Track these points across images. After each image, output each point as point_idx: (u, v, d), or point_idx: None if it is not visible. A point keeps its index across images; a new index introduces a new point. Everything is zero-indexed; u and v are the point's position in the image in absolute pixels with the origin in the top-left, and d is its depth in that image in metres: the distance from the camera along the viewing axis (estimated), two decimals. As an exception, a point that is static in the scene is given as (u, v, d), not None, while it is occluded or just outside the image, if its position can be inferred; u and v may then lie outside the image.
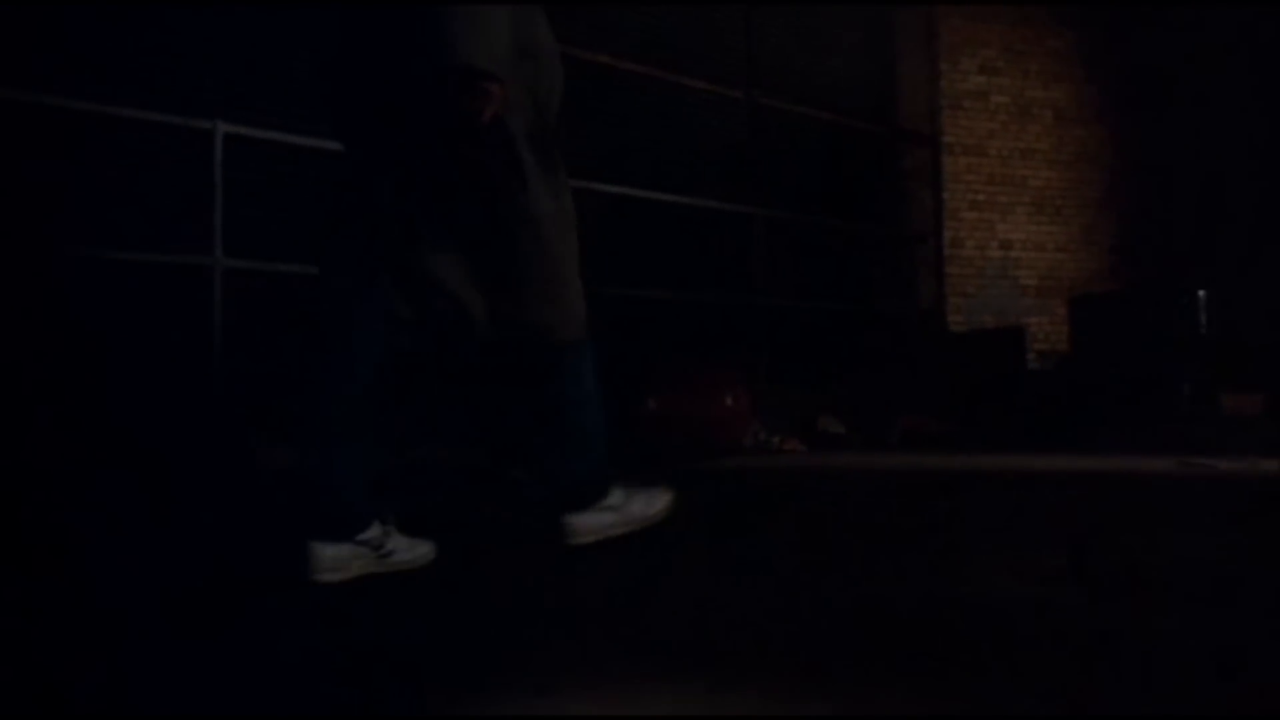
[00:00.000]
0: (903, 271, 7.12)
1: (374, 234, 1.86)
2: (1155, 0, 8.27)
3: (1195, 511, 2.56)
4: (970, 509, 2.65)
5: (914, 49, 7.30)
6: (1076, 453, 4.40)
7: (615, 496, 2.04)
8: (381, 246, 1.85)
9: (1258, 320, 8.34)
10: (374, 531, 1.86)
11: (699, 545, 2.11)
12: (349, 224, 1.91)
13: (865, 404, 6.04)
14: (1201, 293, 6.96)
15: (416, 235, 1.84)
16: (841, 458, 4.59)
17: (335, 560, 1.80)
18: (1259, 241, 8.73)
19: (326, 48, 1.99)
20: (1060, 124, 8.11)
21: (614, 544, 1.98)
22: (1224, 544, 1.99)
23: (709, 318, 5.61)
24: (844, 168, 6.66)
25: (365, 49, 1.87)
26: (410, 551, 1.92)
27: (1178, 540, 2.06)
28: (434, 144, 1.81)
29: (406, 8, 1.78)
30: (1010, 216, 7.91)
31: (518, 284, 1.90)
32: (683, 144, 5.68)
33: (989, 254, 7.81)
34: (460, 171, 1.83)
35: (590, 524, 2.00)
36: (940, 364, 6.91)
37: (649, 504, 2.08)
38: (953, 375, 6.80)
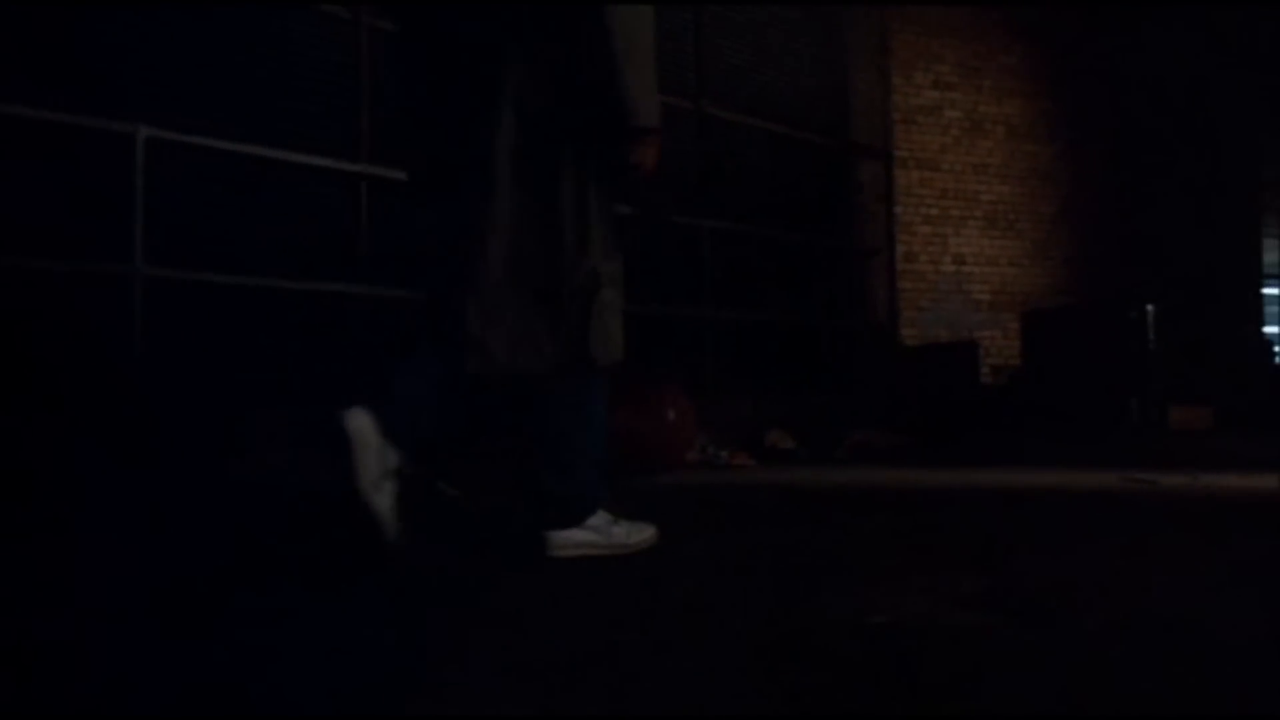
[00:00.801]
0: (855, 285, 7.10)
1: (457, 273, 2.00)
2: (1107, 19, 8.36)
3: (1124, 529, 2.51)
4: (902, 527, 2.58)
5: (866, 63, 7.30)
6: (1023, 468, 4.35)
7: (600, 519, 2.12)
8: (464, 283, 1.99)
9: (1207, 335, 8.43)
10: (600, 519, 2.11)
11: (603, 566, 2.01)
12: (432, 261, 2.09)
13: (816, 418, 5.99)
14: (1150, 307, 6.99)
15: (493, 268, 1.97)
16: (787, 473, 4.51)
17: (566, 540, 2.06)
18: (1208, 256, 8.83)
19: (410, 93, 2.11)
20: (1013, 140, 8.15)
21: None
22: (1142, 564, 1.93)
23: (657, 330, 5.52)
24: (796, 181, 6.63)
25: (453, 96, 2.01)
26: (638, 532, 2.17)
27: (1098, 559, 1.99)
28: (518, 182, 1.96)
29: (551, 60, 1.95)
30: (963, 231, 7.93)
31: (579, 319, 2.02)
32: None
33: (942, 268, 7.81)
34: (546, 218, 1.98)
35: (572, 539, 2.09)
36: (893, 378, 6.88)
37: (631, 533, 2.16)
38: (906, 389, 6.78)
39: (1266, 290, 11.77)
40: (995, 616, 1.47)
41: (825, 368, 6.37)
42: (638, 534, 2.17)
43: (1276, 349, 13.28)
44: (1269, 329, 14.54)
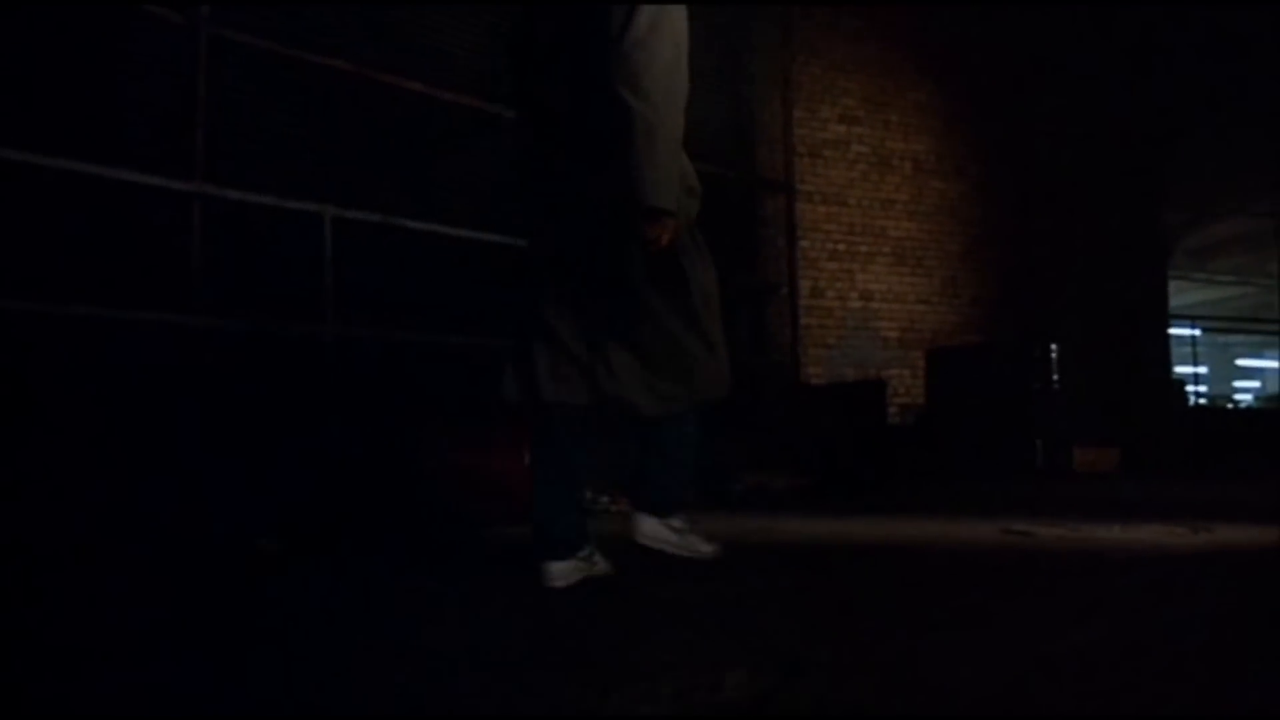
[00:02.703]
0: (756, 322, 6.87)
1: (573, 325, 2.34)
2: (1015, 59, 8.36)
3: (954, 594, 2.25)
4: (726, 594, 2.29)
5: (770, 95, 7.14)
6: (908, 516, 4.11)
7: (680, 521, 2.52)
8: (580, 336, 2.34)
9: (1114, 375, 8.39)
10: (679, 522, 2.49)
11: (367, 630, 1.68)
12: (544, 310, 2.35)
13: (711, 459, 5.70)
14: (1054, 346, 6.88)
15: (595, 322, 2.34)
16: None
17: (562, 572, 2.31)
18: (1116, 296, 8.83)
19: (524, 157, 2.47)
20: (920, 176, 8.06)
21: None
22: (968, 639, 1.66)
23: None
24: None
25: (556, 168, 2.34)
26: (703, 545, 2.54)
27: (916, 633, 1.72)
28: (609, 250, 2.31)
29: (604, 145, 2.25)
30: (871, 267, 7.78)
31: (667, 362, 2.39)
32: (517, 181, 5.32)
33: (850, 304, 7.64)
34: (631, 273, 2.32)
35: (652, 530, 2.50)
36: (796, 417, 6.64)
37: (703, 542, 2.54)
38: (809, 430, 6.54)
39: (1176, 331, 11.93)
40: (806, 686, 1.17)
41: (723, 407, 6.08)
42: (708, 547, 2.55)
43: (1188, 389, 13.49)
44: (1183, 369, 14.80)
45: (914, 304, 7.94)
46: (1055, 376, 6.89)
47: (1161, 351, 9.53)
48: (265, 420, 3.73)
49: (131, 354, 3.81)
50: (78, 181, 3.69)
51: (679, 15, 2.31)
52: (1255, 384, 26.48)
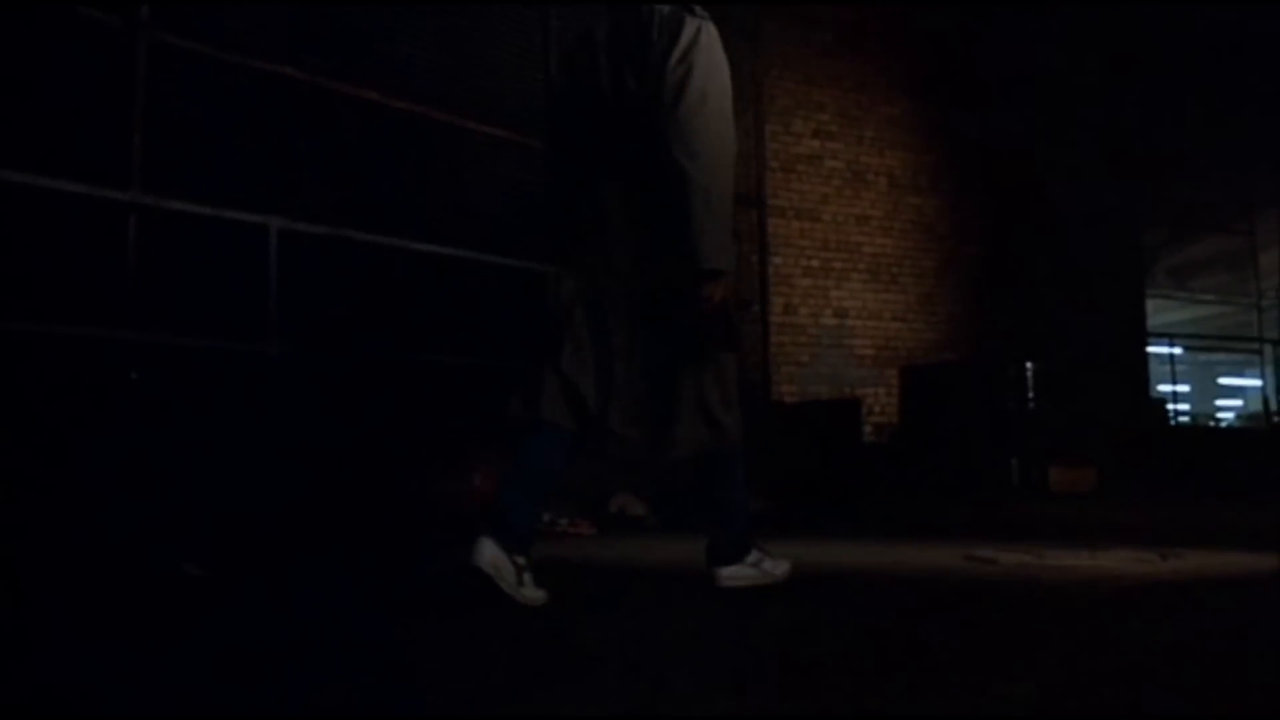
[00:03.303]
0: (727, 338, 6.73)
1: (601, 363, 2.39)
2: (991, 74, 8.30)
3: (898, 629, 2.10)
4: (647, 628, 2.13)
5: (740, 109, 7.02)
6: (873, 540, 3.97)
7: (753, 556, 2.57)
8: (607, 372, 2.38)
9: (1091, 393, 8.29)
10: (522, 560, 2.28)
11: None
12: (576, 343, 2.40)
13: (675, 481, 5.55)
14: (1030, 364, 6.77)
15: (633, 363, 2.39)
16: (614, 546, 4.05)
17: (493, 560, 2.22)
18: (1093, 314, 8.74)
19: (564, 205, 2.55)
20: (895, 191, 7.97)
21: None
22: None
23: (497, 383, 5.03)
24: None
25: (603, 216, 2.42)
26: (777, 567, 2.59)
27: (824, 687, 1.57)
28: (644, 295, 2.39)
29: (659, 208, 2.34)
30: (845, 284, 7.67)
31: (695, 409, 2.41)
32: (478, 195, 5.18)
33: (823, 321, 7.52)
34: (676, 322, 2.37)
35: (735, 574, 2.52)
36: (767, 437, 6.50)
37: (777, 565, 2.60)
38: (781, 450, 6.39)
39: (1158, 350, 11.87)
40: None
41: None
42: (780, 567, 2.60)
43: (1170, 408, 13.40)
44: (1165, 387, 14.73)
45: (889, 321, 7.83)
46: (1031, 395, 6.78)
47: (1140, 370, 9.44)
48: (200, 440, 3.57)
49: (62, 370, 3.64)
50: (4, 190, 3.53)
51: (726, 75, 2.42)
52: (1238, 402, 26.50)
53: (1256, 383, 11.99)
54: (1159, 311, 20.16)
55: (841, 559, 3.32)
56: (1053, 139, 8.59)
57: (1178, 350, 19.45)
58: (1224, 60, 10.11)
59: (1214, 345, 16.80)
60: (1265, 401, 11.98)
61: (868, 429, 7.32)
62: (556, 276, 2.51)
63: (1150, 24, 9.11)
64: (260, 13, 4.36)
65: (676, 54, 2.32)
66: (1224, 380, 27.92)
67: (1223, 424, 22.45)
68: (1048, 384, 6.93)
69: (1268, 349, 11.74)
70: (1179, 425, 13.52)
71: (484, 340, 5.07)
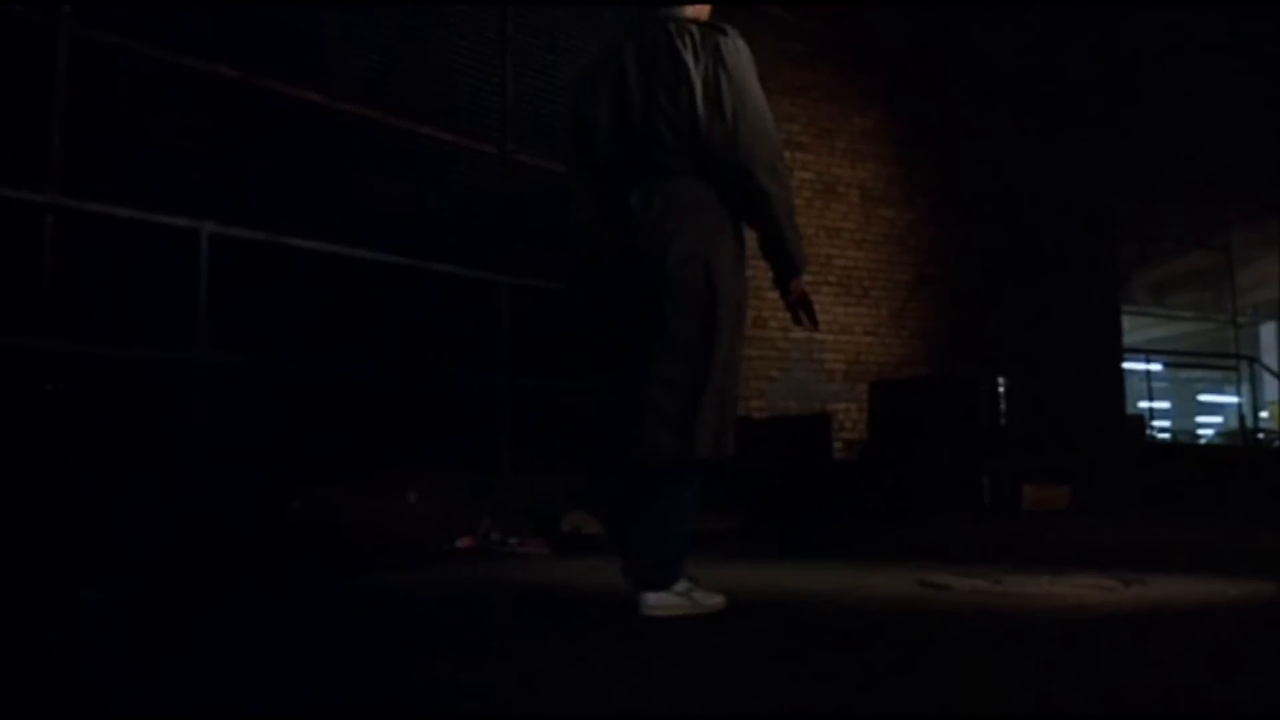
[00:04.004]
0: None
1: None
2: (964, 88, 8.20)
3: (833, 666, 1.92)
4: (542, 664, 1.95)
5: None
6: (829, 561, 3.79)
7: (682, 585, 2.47)
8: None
9: (1066, 410, 8.15)
10: (682, 586, 2.43)
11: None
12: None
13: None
14: (1002, 379, 6.62)
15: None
16: (561, 568, 3.86)
17: (656, 604, 2.38)
18: (1068, 330, 8.63)
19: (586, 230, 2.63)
20: (867, 204, 7.83)
21: None
22: None
23: (441, 398, 4.85)
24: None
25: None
26: (708, 599, 2.50)
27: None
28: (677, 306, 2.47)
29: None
30: (816, 297, 7.35)
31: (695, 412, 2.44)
32: (428, 202, 4.99)
33: (793, 335, 7.35)
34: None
35: (662, 601, 2.43)
36: (735, 453, 6.31)
37: (708, 597, 2.50)
38: (749, 466, 6.20)
39: (1137, 366, 11.80)
40: None
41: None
42: (711, 600, 2.50)
43: (1152, 425, 13.32)
44: (1146, 404, 14.66)
45: (861, 335, 7.68)
46: (1003, 411, 6.62)
47: (1116, 386, 9.32)
48: (111, 456, 3.37)
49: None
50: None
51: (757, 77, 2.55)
52: (1218, 419, 26.54)
53: (1235, 399, 11.91)
54: (1140, 328, 20.21)
55: (792, 583, 3.15)
56: (1028, 152, 8.49)
57: (1156, 367, 19.47)
58: (1200, 76, 10.06)
59: (1192, 362, 16.78)
60: (1241, 419, 11.91)
61: (838, 445, 7.15)
62: (591, 297, 2.64)
63: (1126, 39, 9.06)
64: (195, 9, 4.17)
65: (729, 75, 2.44)
66: (1204, 397, 27.98)
67: (1202, 441, 22.45)
68: (1021, 400, 6.77)
69: (1244, 366, 11.66)
70: (1156, 442, 13.45)
71: (434, 352, 4.88)
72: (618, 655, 2.08)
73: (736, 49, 2.48)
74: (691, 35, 2.48)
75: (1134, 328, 19.77)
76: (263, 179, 4.32)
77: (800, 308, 2.62)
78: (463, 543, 4.46)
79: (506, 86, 5.33)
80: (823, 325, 7.45)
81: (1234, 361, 12.61)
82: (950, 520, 5.89)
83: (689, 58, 2.44)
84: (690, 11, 2.58)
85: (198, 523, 3.18)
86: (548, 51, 5.52)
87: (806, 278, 2.63)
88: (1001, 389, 6.62)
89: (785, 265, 2.56)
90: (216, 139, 4.19)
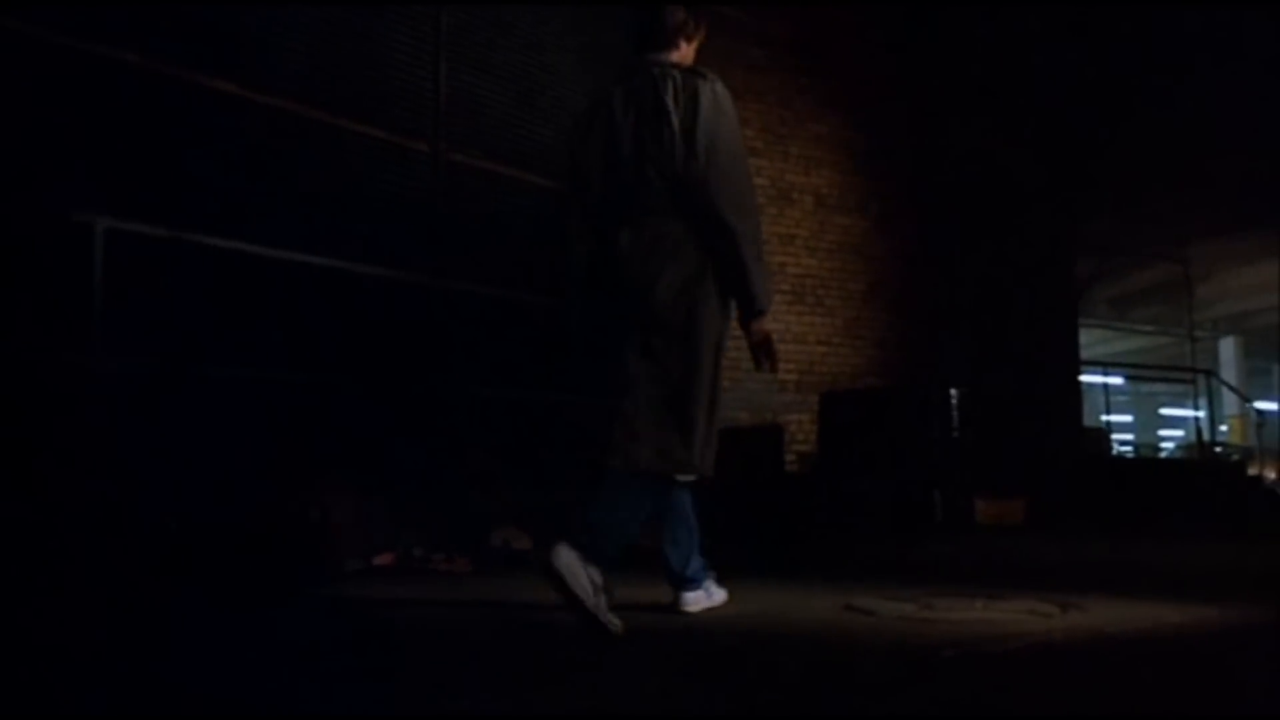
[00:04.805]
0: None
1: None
2: (921, 95, 8.09)
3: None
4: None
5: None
6: (753, 582, 3.57)
7: (711, 584, 2.88)
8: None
9: (1021, 422, 8.04)
10: (600, 577, 2.41)
11: None
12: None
13: (572, 514, 5.15)
14: (954, 391, 6.46)
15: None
16: (483, 585, 3.64)
17: (568, 563, 2.36)
18: (1025, 341, 8.52)
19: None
20: (822, 211, 7.68)
21: None
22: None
23: (372, 406, 4.60)
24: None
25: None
26: (719, 594, 2.90)
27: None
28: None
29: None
30: (768, 305, 7.33)
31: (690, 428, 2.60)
32: (352, 200, 4.75)
33: (744, 344, 7.16)
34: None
35: (697, 600, 2.83)
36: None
37: (612, 617, 2.48)
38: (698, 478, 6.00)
39: (1096, 379, 11.76)
40: None
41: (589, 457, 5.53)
42: (614, 622, 2.47)
43: (1114, 438, 13.29)
44: (1109, 417, 14.67)
45: (814, 345, 7.51)
46: (956, 423, 6.47)
47: (1074, 399, 9.22)
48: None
49: None
50: None
51: (740, 130, 2.70)
52: (1179, 433, 26.75)
53: (1194, 413, 11.90)
54: (1104, 341, 20.31)
55: (713, 609, 2.94)
56: (985, 162, 8.39)
57: (1116, 380, 19.53)
58: (1161, 89, 10.05)
59: (1151, 376, 16.82)
60: (1199, 432, 11.89)
61: (790, 458, 6.97)
62: (583, 320, 2.82)
63: (1087, 49, 9.00)
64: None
65: (703, 120, 2.55)
66: (1166, 411, 28.20)
67: (1162, 454, 22.58)
68: (976, 412, 6.63)
69: (1202, 380, 11.65)
70: (1114, 456, 13.42)
71: (360, 358, 4.64)
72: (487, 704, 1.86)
73: (714, 93, 2.61)
74: (674, 80, 2.62)
75: (1097, 341, 19.88)
76: (168, 173, 4.06)
77: (761, 350, 2.74)
78: (381, 560, 4.22)
79: (440, 83, 5.11)
80: (774, 334, 7.33)
81: (1190, 375, 12.59)
82: (898, 535, 5.72)
83: (670, 101, 2.58)
84: (676, 57, 2.74)
85: (71, 535, 2.93)
86: (485, 48, 5.31)
87: (770, 321, 2.73)
88: (954, 400, 6.46)
89: (746, 304, 2.63)
90: (118, 130, 3.93)
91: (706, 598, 2.87)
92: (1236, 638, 2.45)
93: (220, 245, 4.13)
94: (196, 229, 4.05)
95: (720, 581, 3.45)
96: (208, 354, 4.03)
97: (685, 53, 2.79)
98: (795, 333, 7.41)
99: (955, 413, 6.45)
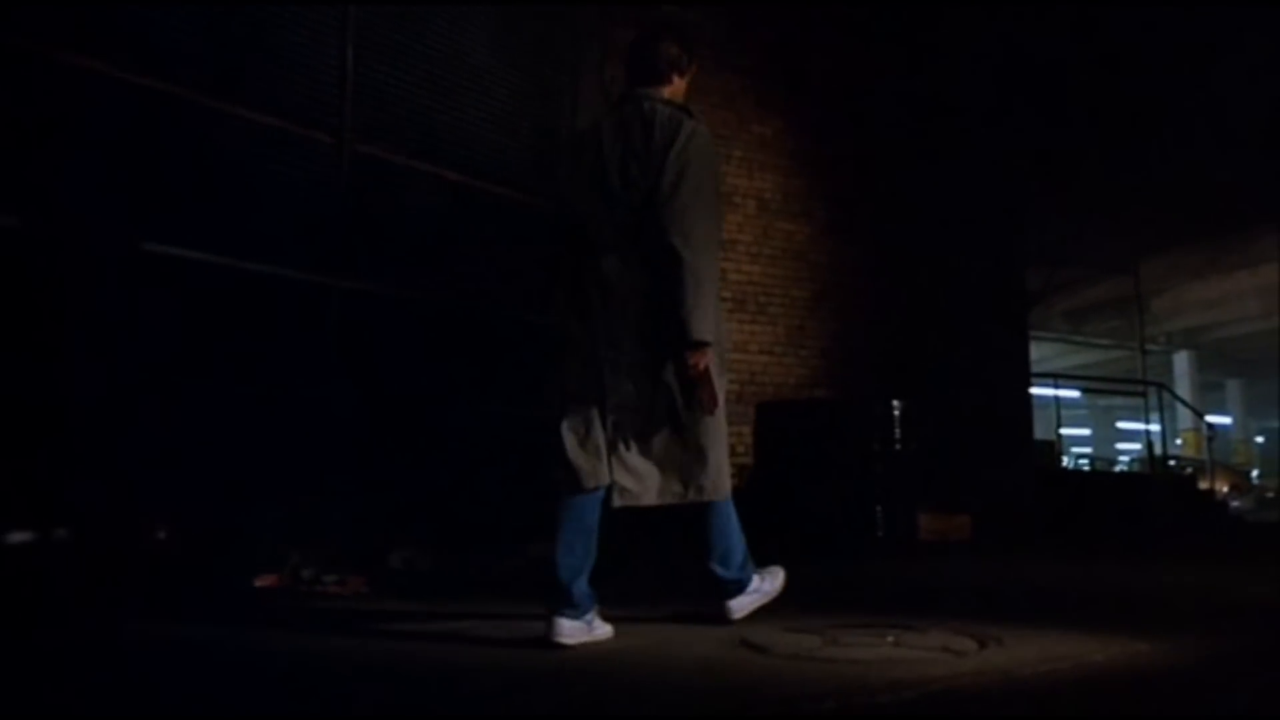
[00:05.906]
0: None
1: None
2: (868, 99, 7.88)
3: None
4: None
5: (590, 115, 6.41)
6: (662, 608, 3.27)
7: (754, 581, 3.01)
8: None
9: (968, 436, 7.83)
10: (590, 616, 2.67)
11: None
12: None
13: (485, 530, 4.83)
14: (897, 403, 6.21)
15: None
16: (376, 610, 3.30)
17: (572, 630, 2.59)
18: (974, 353, 8.32)
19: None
20: (765, 216, 7.42)
21: None
22: None
23: (265, 412, 4.25)
24: (493, 244, 5.56)
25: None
26: (602, 630, 2.73)
27: None
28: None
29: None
30: (708, 313, 7.05)
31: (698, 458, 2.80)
32: (244, 193, 4.40)
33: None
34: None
35: (742, 604, 2.96)
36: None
37: (775, 578, 3.06)
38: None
39: (1050, 392, 11.60)
40: None
41: (518, 469, 5.20)
42: (779, 577, 3.06)
43: (1072, 451, 13.13)
44: (1066, 430, 14.55)
45: (755, 354, 7.24)
46: (898, 436, 6.22)
47: (1024, 412, 9.03)
48: None
49: None
50: None
51: (717, 172, 2.82)
52: (1136, 446, 26.91)
53: (1148, 426, 11.79)
54: (1060, 354, 20.29)
55: (588, 643, 2.63)
56: (935, 169, 8.19)
57: (1072, 393, 19.51)
58: (1112, 100, 9.96)
59: (1103, 388, 16.78)
60: (1150, 445, 11.78)
61: (730, 471, 6.68)
62: (560, 341, 2.80)
63: (1035, 59, 8.86)
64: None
65: (676, 151, 2.65)
66: (1123, 424, 28.37)
67: (1118, 468, 22.64)
68: (921, 425, 6.38)
69: (1154, 392, 11.54)
70: (1064, 469, 13.30)
71: (252, 359, 4.30)
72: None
73: (694, 131, 2.72)
74: (660, 113, 2.75)
75: (1054, 354, 19.85)
76: (24, 158, 3.70)
77: (695, 385, 2.65)
78: (263, 581, 3.88)
79: (348, 70, 4.78)
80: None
81: (1142, 388, 12.50)
82: (835, 554, 5.45)
83: (656, 133, 2.69)
84: (667, 91, 2.87)
85: None
86: (396, 33, 4.99)
87: (707, 357, 2.65)
88: (897, 412, 6.22)
89: (679, 331, 2.60)
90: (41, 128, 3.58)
91: (586, 630, 2.63)
92: (1162, 681, 2.19)
93: (64, 235, 3.77)
94: (72, 222, 3.70)
95: (628, 601, 3.16)
96: (74, 353, 3.66)
97: (677, 87, 2.92)
98: (736, 341, 7.13)
99: (898, 425, 6.21)
